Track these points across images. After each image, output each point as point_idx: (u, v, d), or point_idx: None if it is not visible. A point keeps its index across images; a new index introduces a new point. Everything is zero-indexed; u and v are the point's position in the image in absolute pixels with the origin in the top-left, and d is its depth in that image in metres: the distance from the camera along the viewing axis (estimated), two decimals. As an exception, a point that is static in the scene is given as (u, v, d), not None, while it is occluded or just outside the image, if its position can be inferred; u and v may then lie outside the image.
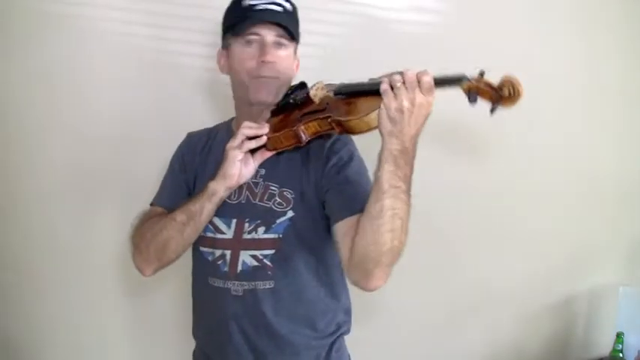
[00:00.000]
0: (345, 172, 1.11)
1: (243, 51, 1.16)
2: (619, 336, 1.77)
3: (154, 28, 1.63)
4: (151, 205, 1.25)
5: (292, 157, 1.16)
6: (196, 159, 1.24)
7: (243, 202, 1.15)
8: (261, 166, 1.14)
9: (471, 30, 1.74)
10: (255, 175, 1.15)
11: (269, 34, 1.14)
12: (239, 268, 1.12)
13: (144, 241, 1.14)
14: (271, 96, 1.15)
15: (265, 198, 1.14)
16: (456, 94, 1.74)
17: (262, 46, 1.14)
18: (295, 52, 1.21)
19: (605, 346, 1.85)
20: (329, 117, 1.04)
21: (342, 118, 1.00)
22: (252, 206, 1.14)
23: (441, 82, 0.95)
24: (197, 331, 1.24)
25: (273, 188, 1.14)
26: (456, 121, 1.74)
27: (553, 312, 1.94)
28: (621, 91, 1.88)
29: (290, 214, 1.12)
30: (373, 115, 0.96)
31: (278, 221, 1.12)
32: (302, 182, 1.13)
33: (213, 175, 1.12)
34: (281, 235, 1.11)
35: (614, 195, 1.93)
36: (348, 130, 1.01)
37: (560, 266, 1.90)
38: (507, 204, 1.81)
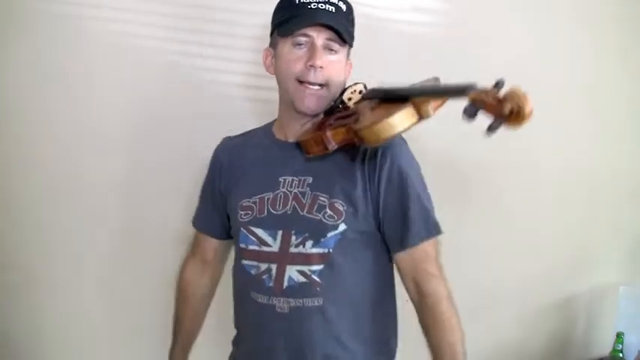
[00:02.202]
0: (402, 191, 1.05)
1: (291, 52, 1.08)
2: (619, 336, 1.77)
3: (154, 28, 1.63)
4: (193, 223, 1.31)
5: (343, 163, 1.08)
6: (231, 165, 1.21)
7: (289, 212, 1.08)
8: (308, 173, 1.09)
9: (471, 30, 1.74)
10: (302, 184, 1.09)
11: (320, 37, 1.07)
12: (285, 283, 1.05)
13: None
14: (317, 106, 1.10)
15: (314, 209, 1.06)
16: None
17: (311, 49, 1.07)
18: (348, 56, 1.14)
19: (605, 346, 1.85)
20: (348, 124, 0.99)
21: (355, 127, 0.95)
22: (300, 218, 1.07)
23: (445, 93, 0.97)
24: (239, 346, 1.20)
25: (322, 199, 1.06)
26: (455, 120, 1.74)
27: (553, 312, 1.93)
28: (622, 90, 1.88)
29: (342, 227, 1.05)
30: (383, 124, 0.89)
31: (329, 235, 1.05)
32: (354, 193, 1.05)
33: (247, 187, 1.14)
34: (331, 250, 1.05)
35: (615, 195, 1.93)
36: (364, 141, 0.95)
37: (560, 266, 1.90)
38: (507, 204, 1.81)
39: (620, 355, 1.76)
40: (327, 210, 1.05)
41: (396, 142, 1.06)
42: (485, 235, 1.81)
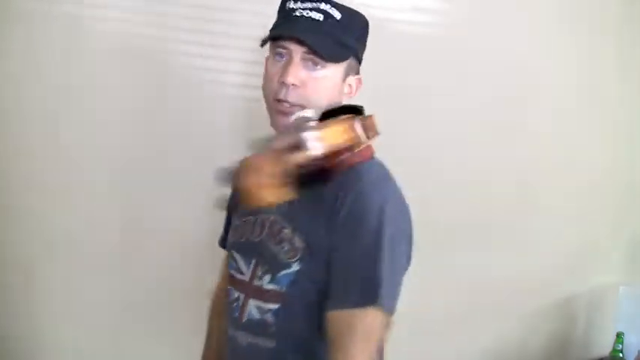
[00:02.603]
0: (354, 238, 0.88)
1: (272, 63, 0.98)
2: (619, 336, 1.77)
3: (154, 29, 1.63)
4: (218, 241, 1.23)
5: (311, 193, 0.91)
6: None
7: (262, 240, 0.99)
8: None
9: (471, 30, 1.74)
10: (279, 209, 0.96)
11: (298, 50, 0.94)
12: (245, 317, 0.98)
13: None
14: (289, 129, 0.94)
15: (276, 241, 0.96)
16: (454, 88, 1.73)
17: (286, 63, 0.95)
18: (353, 72, 1.01)
19: (605, 346, 1.85)
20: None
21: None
22: (266, 248, 0.97)
23: None
24: None
25: (285, 231, 0.95)
26: (455, 120, 1.74)
27: (553, 312, 1.93)
28: (622, 90, 1.88)
29: (295, 267, 0.92)
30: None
31: (282, 272, 0.94)
32: (314, 228, 0.92)
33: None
34: (284, 289, 0.93)
35: (615, 195, 1.93)
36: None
37: (560, 266, 1.90)
38: (507, 204, 1.81)
39: (620, 355, 1.76)
40: (286, 244, 0.95)
41: (379, 176, 0.95)
42: (485, 235, 1.81)
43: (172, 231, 1.60)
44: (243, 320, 0.98)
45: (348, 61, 0.99)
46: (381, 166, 0.98)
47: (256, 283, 0.97)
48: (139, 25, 1.62)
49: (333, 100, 0.97)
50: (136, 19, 1.62)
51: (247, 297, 0.98)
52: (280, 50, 0.97)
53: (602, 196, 1.91)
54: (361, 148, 0.94)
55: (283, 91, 0.94)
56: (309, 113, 0.94)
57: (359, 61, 1.04)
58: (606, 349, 1.84)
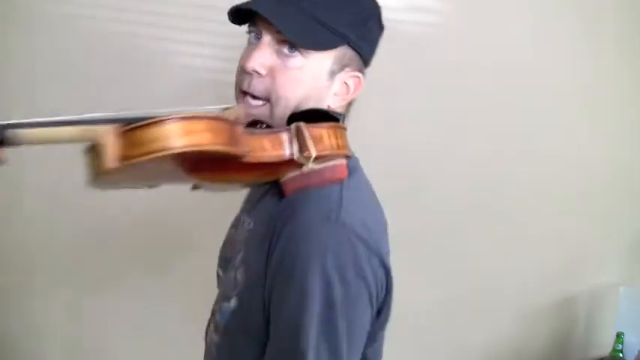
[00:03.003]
0: (278, 297, 0.71)
1: (246, 48, 0.81)
2: (619, 336, 1.77)
3: (154, 29, 1.63)
4: None
5: (267, 205, 0.80)
6: None
7: (231, 261, 0.85)
8: (254, 213, 0.84)
9: (471, 29, 1.74)
10: (246, 228, 0.84)
11: (269, 31, 0.76)
12: (207, 338, 0.90)
13: None
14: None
15: (230, 268, 0.83)
16: (454, 88, 1.73)
17: (255, 46, 0.77)
18: (342, 67, 0.79)
19: (605, 346, 1.85)
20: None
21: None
22: (227, 273, 0.85)
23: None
24: None
25: (238, 256, 0.81)
26: (454, 121, 1.74)
27: (553, 312, 1.93)
28: (622, 90, 1.88)
29: (233, 303, 0.78)
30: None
31: (225, 305, 0.80)
32: (256, 261, 0.75)
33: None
34: (224, 324, 0.80)
35: (615, 195, 1.93)
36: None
37: (560, 266, 1.90)
38: (507, 204, 1.81)
39: (620, 355, 1.76)
40: (233, 273, 0.80)
41: (330, 210, 0.71)
42: (485, 235, 1.81)
43: (173, 231, 1.60)
44: (207, 340, 0.90)
45: (338, 50, 0.77)
46: (353, 193, 0.75)
47: (215, 307, 0.87)
48: (138, 25, 1.62)
49: (311, 99, 0.77)
50: (135, 20, 1.62)
51: (212, 317, 0.89)
52: (252, 29, 0.79)
53: (602, 197, 1.91)
54: (323, 166, 0.73)
55: (247, 80, 0.77)
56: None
57: (360, 55, 0.81)
58: (606, 349, 1.84)
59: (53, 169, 1.64)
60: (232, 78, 0.82)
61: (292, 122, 0.72)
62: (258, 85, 0.76)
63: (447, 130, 1.73)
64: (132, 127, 0.61)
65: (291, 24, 0.73)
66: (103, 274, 1.69)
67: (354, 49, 0.79)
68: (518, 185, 1.82)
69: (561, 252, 1.90)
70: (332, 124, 0.74)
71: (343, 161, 0.76)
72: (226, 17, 0.78)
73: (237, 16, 0.78)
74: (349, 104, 0.84)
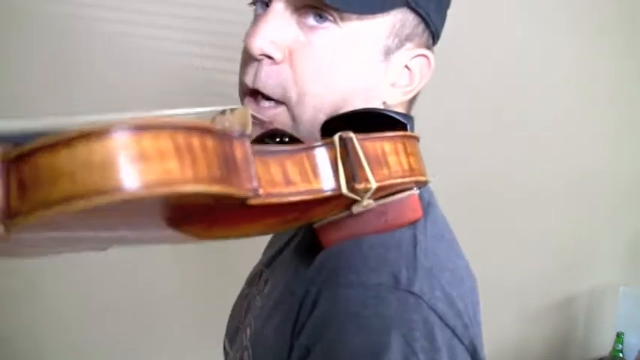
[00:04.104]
0: None
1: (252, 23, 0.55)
2: (619, 336, 1.77)
3: (154, 29, 1.63)
4: None
5: (288, 279, 0.54)
6: None
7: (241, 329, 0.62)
8: (271, 271, 0.62)
9: (470, 30, 1.73)
10: (262, 290, 0.61)
11: None
12: None
13: None
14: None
15: (237, 345, 0.61)
16: (452, 88, 1.73)
17: (261, 15, 0.53)
18: (403, 42, 0.53)
19: (605, 346, 1.85)
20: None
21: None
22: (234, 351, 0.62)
23: None
24: None
25: (246, 335, 0.57)
26: (454, 121, 1.74)
27: (553, 312, 1.93)
28: (621, 91, 1.88)
29: None
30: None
31: None
32: (268, 348, 0.51)
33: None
34: None
35: (615, 195, 1.93)
36: None
37: (560, 266, 1.90)
38: (507, 204, 1.81)
39: (620, 355, 1.76)
40: (239, 355, 0.57)
41: (378, 279, 0.45)
42: (485, 235, 1.81)
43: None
44: None
45: (393, 15, 0.51)
46: (432, 243, 0.50)
47: None
48: (139, 25, 1.62)
49: (357, 95, 0.52)
50: (135, 20, 1.62)
51: None
52: (256, 6, 0.55)
53: (602, 197, 1.91)
54: (385, 202, 0.47)
55: (252, 70, 0.51)
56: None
57: (427, 23, 0.54)
58: (606, 349, 1.84)
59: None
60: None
61: (330, 132, 0.42)
62: (270, 77, 0.50)
63: (446, 131, 1.73)
64: (26, 151, 0.30)
65: None
66: (106, 279, 1.69)
67: (417, 13, 0.52)
68: (518, 185, 1.82)
69: (561, 252, 1.90)
70: (398, 133, 0.46)
71: (416, 193, 0.49)
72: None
73: None
74: (412, 100, 0.59)
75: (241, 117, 0.44)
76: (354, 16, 0.48)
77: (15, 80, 1.62)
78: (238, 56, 0.67)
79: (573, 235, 1.90)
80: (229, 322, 0.69)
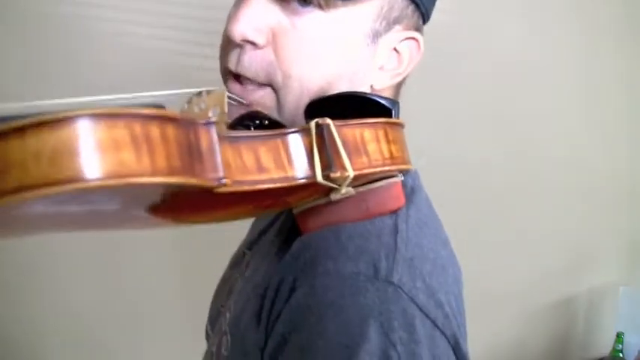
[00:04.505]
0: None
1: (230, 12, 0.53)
2: (619, 336, 1.77)
3: (154, 29, 1.63)
4: None
5: (267, 263, 0.54)
6: None
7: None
8: (253, 253, 0.61)
9: (470, 29, 1.74)
10: (245, 271, 0.60)
11: None
12: None
13: None
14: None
15: (217, 328, 0.58)
16: (452, 88, 1.73)
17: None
18: (391, 25, 0.53)
19: (605, 346, 1.85)
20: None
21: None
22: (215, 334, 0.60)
23: None
24: None
25: (225, 319, 0.55)
26: (454, 121, 1.74)
27: (553, 312, 1.93)
28: (621, 90, 1.88)
29: None
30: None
31: None
32: (245, 331, 0.50)
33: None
34: None
35: (615, 195, 1.93)
36: None
37: (560, 266, 1.90)
38: (507, 203, 1.81)
39: (620, 355, 1.76)
40: (218, 340, 0.55)
41: (356, 268, 0.44)
42: (485, 235, 1.81)
43: (174, 228, 1.60)
44: None
45: None
46: (414, 232, 0.49)
47: None
48: (138, 25, 1.62)
49: (343, 78, 0.50)
50: (135, 20, 1.62)
51: None
52: None
53: (602, 197, 1.91)
54: (366, 189, 0.46)
55: (234, 55, 0.50)
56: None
57: (417, 4, 0.57)
58: (606, 349, 1.84)
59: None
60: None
61: (314, 117, 0.41)
62: (253, 62, 0.48)
63: (445, 131, 1.73)
64: None
65: None
66: (105, 274, 1.69)
67: None
68: (518, 185, 1.82)
69: (561, 252, 1.90)
70: (380, 119, 0.45)
71: (399, 180, 0.47)
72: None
73: None
74: (400, 84, 0.57)
75: (216, 99, 0.43)
76: (339, 1, 0.47)
77: (15, 80, 1.62)
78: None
79: (573, 235, 1.90)
80: (212, 305, 0.68)
